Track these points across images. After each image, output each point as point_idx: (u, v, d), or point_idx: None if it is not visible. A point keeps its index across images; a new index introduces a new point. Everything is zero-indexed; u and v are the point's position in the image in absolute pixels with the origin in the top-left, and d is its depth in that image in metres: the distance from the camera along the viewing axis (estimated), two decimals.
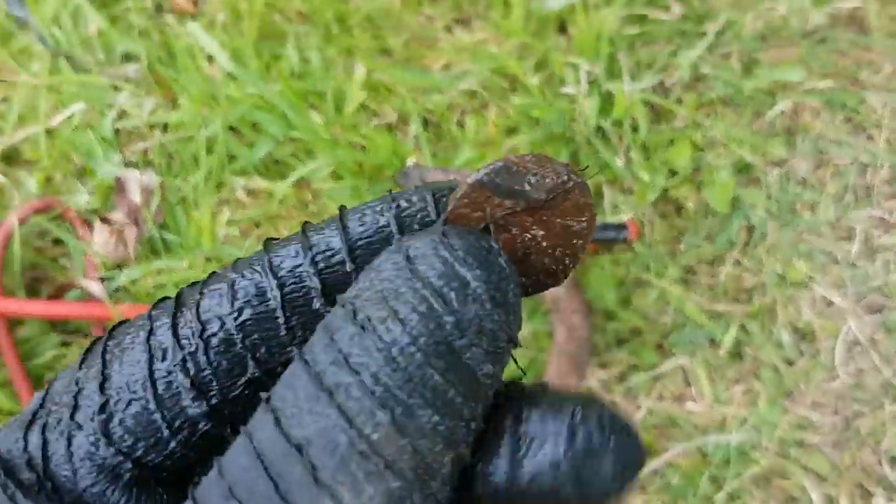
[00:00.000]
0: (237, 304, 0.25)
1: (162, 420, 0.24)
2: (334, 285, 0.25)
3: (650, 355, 1.02)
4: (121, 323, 0.27)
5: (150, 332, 0.25)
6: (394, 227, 0.26)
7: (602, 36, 1.04)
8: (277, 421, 0.21)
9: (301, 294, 0.25)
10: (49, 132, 1.02)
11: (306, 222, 0.26)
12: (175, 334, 0.25)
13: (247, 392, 0.25)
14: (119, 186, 0.99)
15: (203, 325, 0.25)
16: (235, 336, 0.25)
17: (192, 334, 0.25)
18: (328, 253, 0.26)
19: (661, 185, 1.03)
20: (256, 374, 0.25)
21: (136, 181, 0.98)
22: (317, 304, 0.25)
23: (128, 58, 1.07)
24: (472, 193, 0.26)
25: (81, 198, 1.00)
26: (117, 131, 1.04)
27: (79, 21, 1.08)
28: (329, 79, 1.05)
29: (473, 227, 0.26)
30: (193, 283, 0.27)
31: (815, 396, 1.02)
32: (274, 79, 1.04)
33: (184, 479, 0.26)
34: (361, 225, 0.26)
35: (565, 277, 0.29)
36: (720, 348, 1.02)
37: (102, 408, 0.24)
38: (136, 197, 0.97)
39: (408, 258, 0.23)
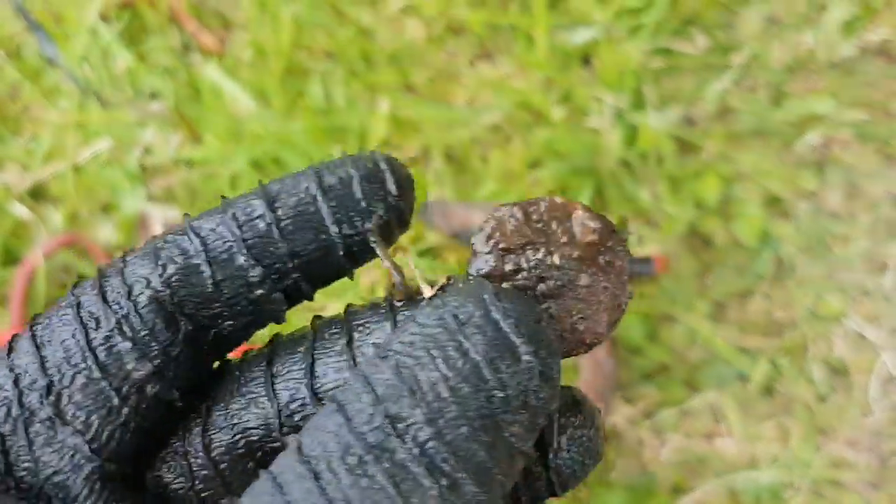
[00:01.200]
0: (160, 262, 0.25)
1: (110, 387, 0.24)
2: (256, 244, 0.26)
3: (678, 391, 0.99)
4: (37, 315, 0.27)
5: (78, 307, 0.25)
6: (316, 192, 0.26)
7: (626, 69, 1.03)
8: (316, 477, 0.21)
9: (224, 249, 0.26)
10: (76, 168, 1.03)
11: (222, 196, 0.27)
12: (105, 300, 0.25)
13: (185, 350, 0.26)
14: (143, 222, 1.00)
15: (130, 288, 0.25)
16: (163, 293, 0.25)
17: (121, 297, 0.25)
18: (249, 211, 0.26)
19: (688, 218, 1.02)
20: (190, 329, 0.25)
21: (160, 217, 0.98)
22: (240, 259, 0.26)
23: (154, 95, 1.08)
24: (499, 244, 0.26)
25: (106, 233, 1.01)
26: (143, 167, 1.05)
27: (107, 59, 1.09)
28: (353, 115, 1.05)
29: (517, 288, 0.26)
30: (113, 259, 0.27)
31: (850, 434, 0.99)
32: (298, 116, 1.04)
33: (142, 474, 0.27)
34: (281, 186, 0.27)
35: (597, 344, 0.28)
36: (750, 384, 0.99)
37: (48, 389, 0.24)
38: (158, 232, 0.98)
39: (457, 319, 0.22)
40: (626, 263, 0.27)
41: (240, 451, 0.26)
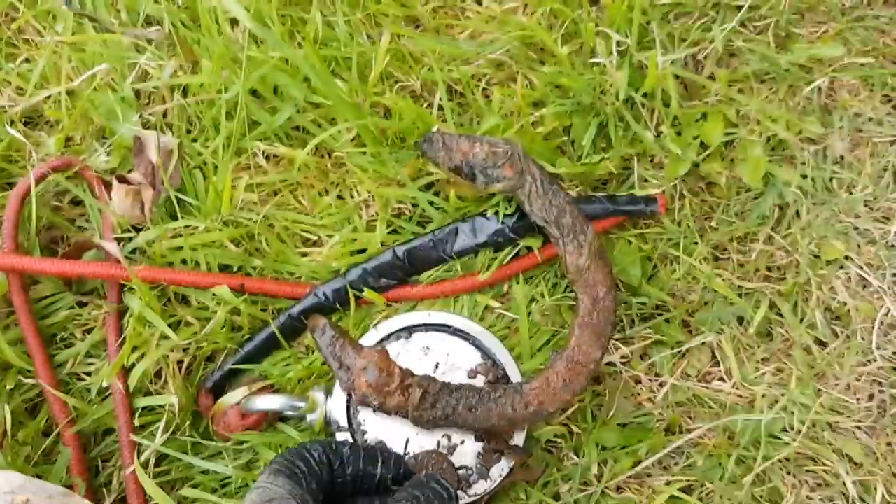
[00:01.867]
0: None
1: None
2: None
3: (676, 332, 0.98)
4: None
5: None
6: None
7: (634, 6, 1.01)
8: None
9: None
10: (70, 93, 1.01)
11: None
12: None
13: None
14: (137, 147, 0.98)
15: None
16: None
17: None
18: None
19: (692, 159, 1.00)
20: None
21: (155, 142, 0.96)
22: None
23: (151, 20, 1.06)
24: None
25: (100, 157, 0.99)
26: (138, 92, 1.03)
27: None
28: (354, 45, 1.03)
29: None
30: None
31: (850, 379, 0.98)
32: (298, 43, 1.02)
33: None
34: None
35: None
36: (750, 327, 0.98)
37: None
38: (153, 157, 0.96)
39: None
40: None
41: None
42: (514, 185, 0.92)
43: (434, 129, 0.97)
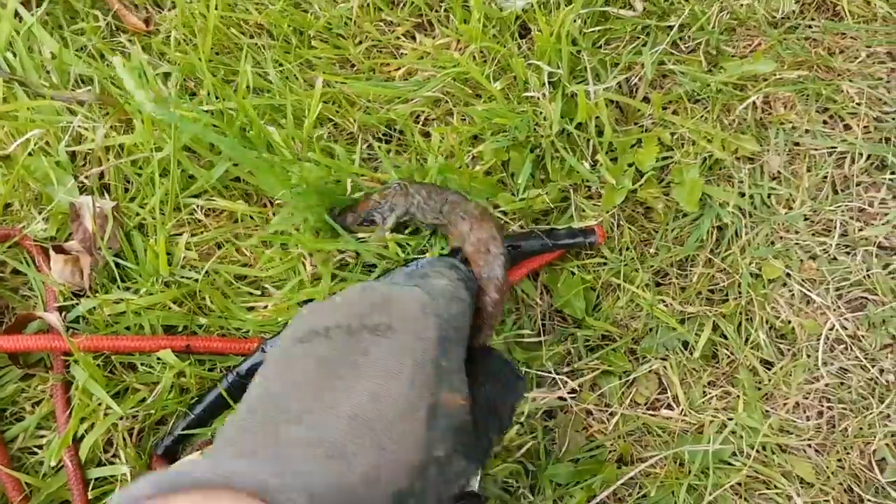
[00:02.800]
0: None
1: None
2: None
3: (622, 361, 0.99)
4: None
5: None
6: None
7: (562, 36, 1.01)
8: None
9: None
10: (5, 158, 1.01)
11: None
12: None
13: None
14: (74, 213, 0.98)
15: None
16: None
17: None
18: None
19: (628, 187, 1.01)
20: None
21: (90, 208, 0.96)
22: None
23: (82, 80, 1.05)
24: None
25: (38, 225, 0.99)
26: (73, 155, 1.03)
27: (33, 46, 1.06)
28: (287, 93, 1.02)
29: None
30: None
31: (798, 398, 0.99)
32: (231, 95, 1.02)
33: None
34: None
35: None
36: (695, 351, 0.99)
37: None
38: (89, 224, 0.96)
39: None
40: None
41: None
42: (405, 206, 0.93)
43: (393, 183, 0.97)
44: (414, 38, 1.10)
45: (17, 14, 1.07)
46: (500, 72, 1.05)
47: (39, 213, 1.00)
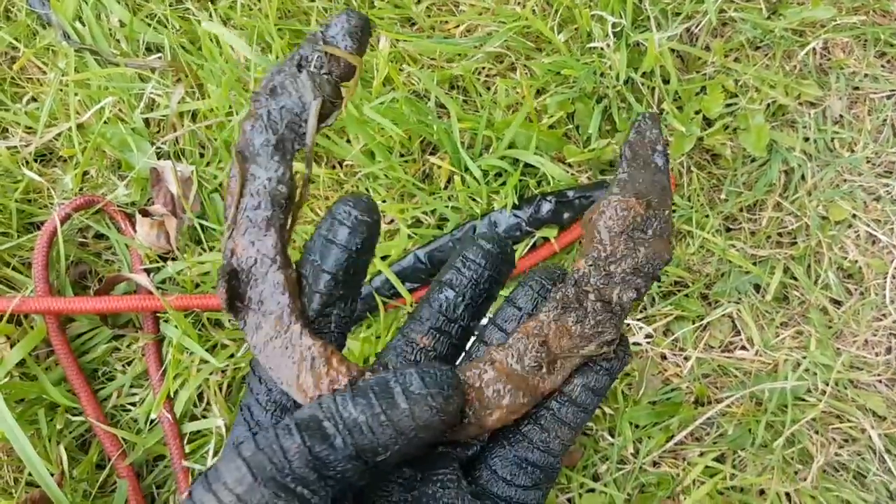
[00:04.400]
0: None
1: None
2: None
3: (696, 306, 1.01)
4: None
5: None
6: None
7: None
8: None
9: None
10: (80, 127, 1.03)
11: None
12: None
13: None
14: (155, 178, 1.00)
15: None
16: None
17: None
18: None
19: (696, 133, 1.02)
20: None
21: (171, 172, 0.98)
22: None
23: (152, 49, 1.07)
24: None
25: (119, 192, 1.01)
26: (148, 122, 1.04)
27: (101, 14, 1.08)
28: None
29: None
30: None
31: (867, 335, 1.01)
32: None
33: None
34: None
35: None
36: (766, 294, 1.01)
37: None
38: (173, 188, 0.98)
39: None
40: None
41: None
42: None
43: None
44: None
45: None
46: (562, 24, 1.06)
47: (119, 179, 1.02)
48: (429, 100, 1.05)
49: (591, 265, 0.42)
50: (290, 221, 0.44)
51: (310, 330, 0.42)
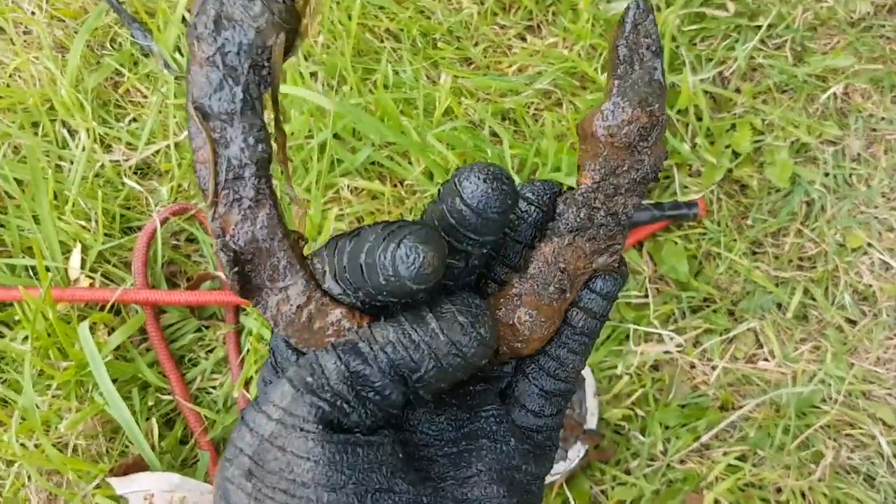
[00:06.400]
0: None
1: None
2: None
3: (723, 321, 1.12)
4: None
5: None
6: None
7: (664, 33, 1.15)
8: None
9: None
10: (177, 146, 1.16)
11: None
12: None
13: None
14: None
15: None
16: None
17: None
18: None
19: (725, 166, 1.14)
20: None
21: None
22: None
23: None
24: None
25: None
26: None
27: None
28: (418, 88, 1.17)
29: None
30: None
31: (879, 353, 1.11)
32: (370, 91, 1.16)
33: None
34: None
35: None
36: (787, 312, 1.11)
37: None
38: None
39: None
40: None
41: None
42: None
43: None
44: (524, 38, 1.24)
45: (182, 18, 1.22)
46: (605, 65, 1.18)
47: None
48: (483, 129, 1.17)
49: (598, 181, 0.41)
50: (284, 170, 0.42)
51: (331, 297, 0.39)
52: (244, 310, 1.10)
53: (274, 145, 0.40)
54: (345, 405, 0.36)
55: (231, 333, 1.08)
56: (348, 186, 1.15)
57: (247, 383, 1.07)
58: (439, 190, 0.39)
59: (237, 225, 0.38)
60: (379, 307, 0.39)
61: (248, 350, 1.07)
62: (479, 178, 0.37)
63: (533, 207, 0.42)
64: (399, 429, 0.41)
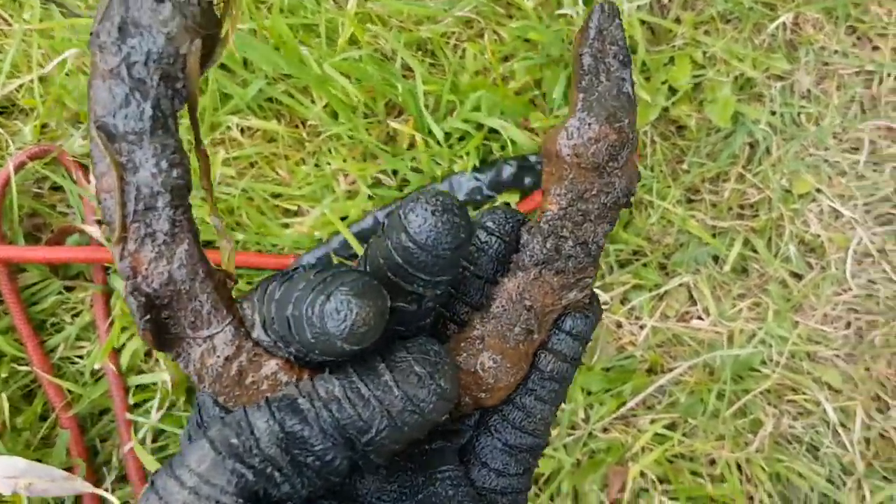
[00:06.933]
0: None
1: None
2: None
3: (653, 275, 1.00)
4: None
5: None
6: None
7: None
8: None
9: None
10: (42, 79, 1.02)
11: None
12: None
13: None
14: None
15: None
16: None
17: None
18: None
19: (661, 104, 1.02)
20: None
21: None
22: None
23: None
24: None
25: (76, 142, 1.00)
26: None
27: None
28: (320, 12, 1.03)
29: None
30: None
31: (826, 309, 1.00)
32: (264, 15, 1.03)
33: None
34: None
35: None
36: (725, 265, 1.00)
37: None
38: None
39: None
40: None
41: None
42: None
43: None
44: None
45: None
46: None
47: (77, 130, 1.02)
48: (395, 61, 1.04)
49: (565, 207, 0.38)
50: (208, 197, 0.37)
51: (263, 347, 0.35)
52: (114, 269, 0.97)
53: (195, 169, 0.35)
54: (276, 473, 0.32)
55: (99, 295, 0.95)
56: (238, 126, 1.02)
57: (116, 351, 0.94)
58: (383, 223, 0.35)
59: (150, 264, 0.33)
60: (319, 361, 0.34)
61: (118, 314, 0.94)
62: (426, 211, 0.32)
63: (494, 238, 0.39)
64: (343, 500, 0.36)
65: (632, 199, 0.39)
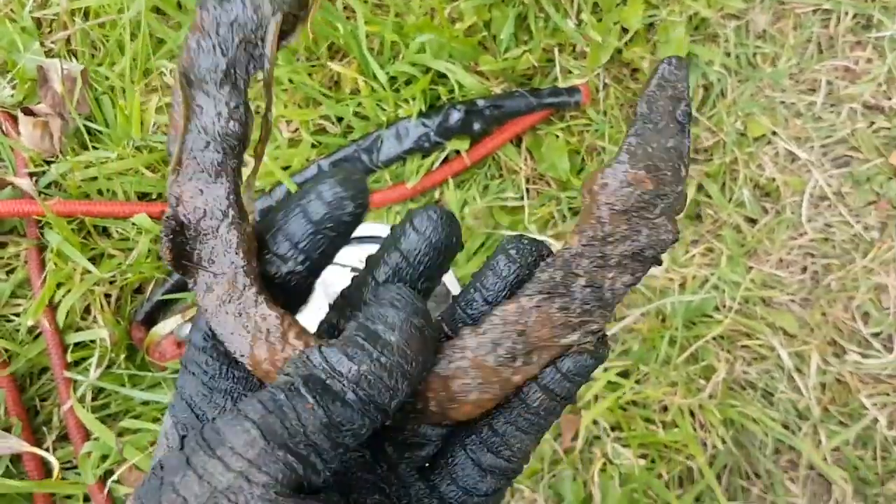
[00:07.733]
0: None
1: None
2: None
3: None
4: None
5: None
6: None
7: None
8: None
9: None
10: None
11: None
12: None
13: None
14: (42, 77, 0.94)
15: None
16: None
17: None
18: None
19: (613, 45, 0.98)
20: None
21: (58, 71, 0.93)
22: None
23: None
24: None
25: (4, 91, 0.96)
26: (39, 21, 0.99)
27: None
28: None
29: None
30: None
31: (781, 254, 0.99)
32: None
33: None
34: None
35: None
36: None
37: None
38: (58, 87, 0.93)
39: None
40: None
41: None
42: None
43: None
44: None
45: None
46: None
47: (5, 79, 0.97)
48: (335, 1, 1.00)
49: (585, 245, 0.37)
50: (254, 163, 0.39)
51: (266, 296, 0.37)
52: (48, 223, 0.93)
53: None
54: (317, 460, 0.31)
55: (33, 250, 0.92)
56: (172, 72, 0.98)
57: (53, 308, 0.90)
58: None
59: (192, 197, 0.36)
60: (322, 255, 0.37)
61: (51, 269, 0.90)
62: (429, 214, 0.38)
63: (514, 266, 0.38)
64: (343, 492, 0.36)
65: (662, 258, 0.38)
